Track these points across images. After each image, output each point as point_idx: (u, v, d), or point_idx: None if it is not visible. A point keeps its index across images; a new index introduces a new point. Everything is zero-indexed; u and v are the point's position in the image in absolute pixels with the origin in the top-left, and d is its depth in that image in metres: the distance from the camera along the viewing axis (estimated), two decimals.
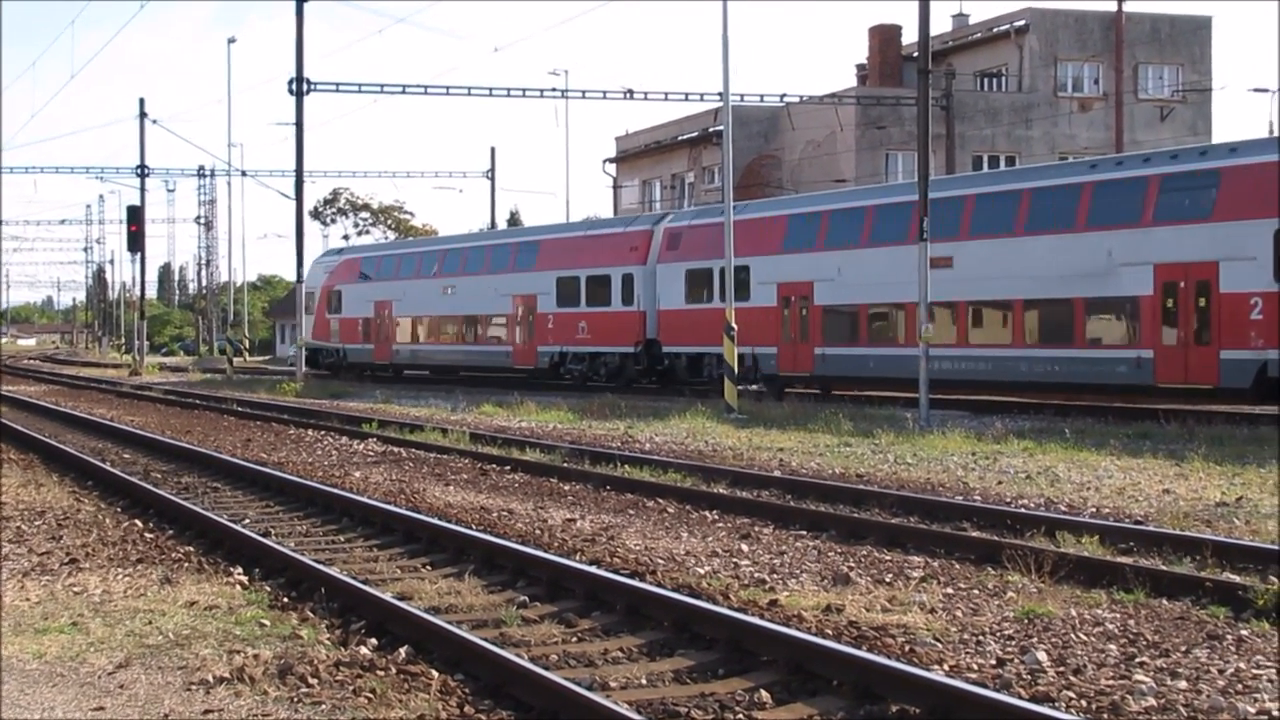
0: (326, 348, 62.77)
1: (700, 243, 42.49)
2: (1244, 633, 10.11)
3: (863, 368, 37.82)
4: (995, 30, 62.02)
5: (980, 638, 10.08)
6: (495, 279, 51.27)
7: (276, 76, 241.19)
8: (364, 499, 17.36)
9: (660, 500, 18.00)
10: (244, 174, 79.82)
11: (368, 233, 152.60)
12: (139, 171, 74.50)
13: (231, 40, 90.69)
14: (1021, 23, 60.22)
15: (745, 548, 14.23)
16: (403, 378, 58.01)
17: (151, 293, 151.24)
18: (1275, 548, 12.88)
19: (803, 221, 40.17)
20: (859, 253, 37.83)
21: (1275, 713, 8.08)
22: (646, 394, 43.86)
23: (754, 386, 40.41)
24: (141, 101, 74.09)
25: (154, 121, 76.17)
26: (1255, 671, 8.99)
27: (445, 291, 54.72)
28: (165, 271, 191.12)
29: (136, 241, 73.95)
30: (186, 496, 18.64)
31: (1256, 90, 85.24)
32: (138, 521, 16.15)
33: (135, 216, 73.05)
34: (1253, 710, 8.10)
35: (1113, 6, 59.89)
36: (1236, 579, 11.64)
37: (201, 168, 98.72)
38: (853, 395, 36.49)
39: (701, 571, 12.73)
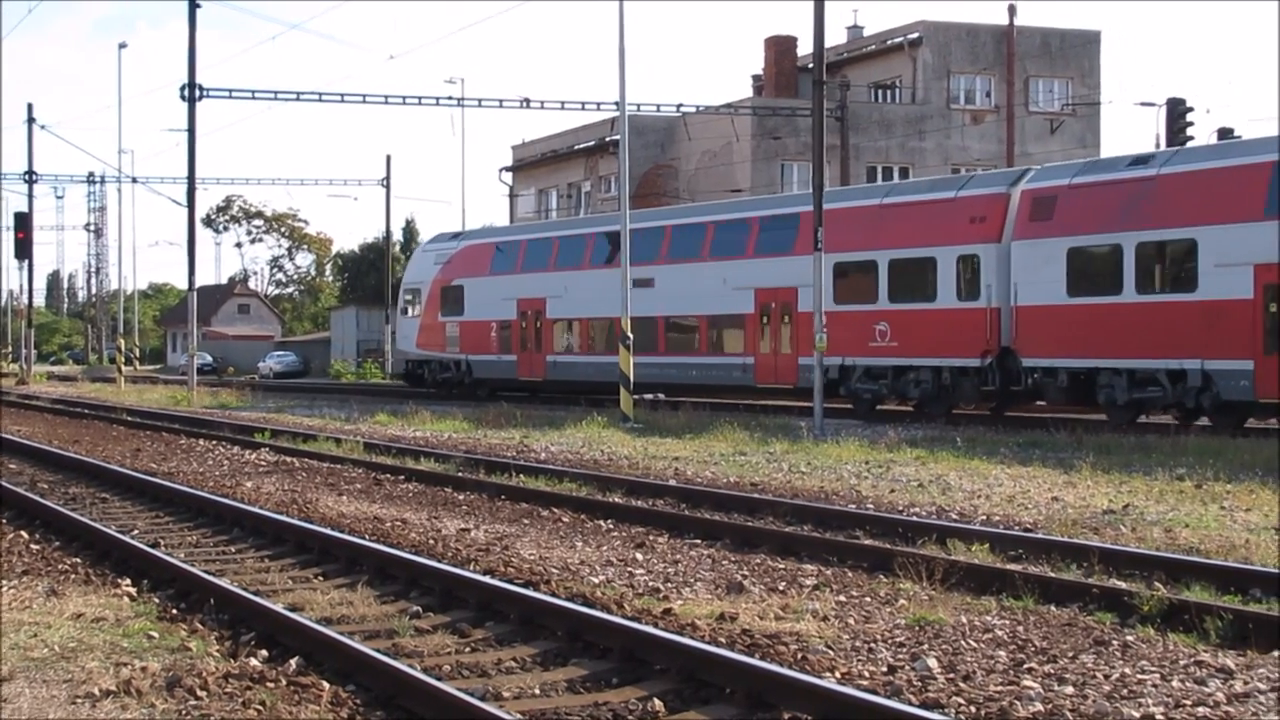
0: (439, 359, 50.98)
1: (1095, 208, 30.69)
2: (1130, 638, 10.25)
3: None
4: (889, 42, 62.59)
5: (872, 645, 10.15)
6: (724, 267, 39.26)
7: (168, 82, 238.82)
8: (256, 509, 17.19)
9: (555, 509, 17.98)
10: (135, 181, 78.76)
11: (260, 240, 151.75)
12: (27, 178, 73.35)
13: (122, 46, 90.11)
14: (915, 35, 60.82)
15: (640, 557, 14.24)
16: (563, 399, 44.35)
17: (39, 301, 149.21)
18: (1161, 554, 13.09)
19: None
20: None
21: (1159, 717, 8.19)
22: (545, 404, 43.73)
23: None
24: (30, 107, 72.96)
25: (42, 127, 75.13)
26: (1140, 676, 9.11)
27: (632, 285, 41.24)
28: (54, 279, 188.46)
29: (24, 249, 72.83)
30: (74, 507, 18.37)
31: (1143, 104, 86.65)
32: (23, 533, 15.88)
33: (23, 223, 71.95)
34: (1137, 715, 8.21)
35: (1004, 21, 60.63)
36: (1123, 585, 11.78)
37: (91, 174, 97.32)
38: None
39: (596, 581, 12.72)
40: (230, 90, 51.16)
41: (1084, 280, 30.57)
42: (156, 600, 11.89)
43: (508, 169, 74.83)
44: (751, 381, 38.47)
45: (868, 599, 11.87)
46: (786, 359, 37.26)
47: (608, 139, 61.68)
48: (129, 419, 39.18)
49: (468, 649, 10.25)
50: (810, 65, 34.14)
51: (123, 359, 74.81)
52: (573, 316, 45.01)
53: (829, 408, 31.73)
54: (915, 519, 16.04)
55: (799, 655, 9.67)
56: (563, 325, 45.50)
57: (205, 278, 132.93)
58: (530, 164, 72.54)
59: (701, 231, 40.82)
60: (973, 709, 8.41)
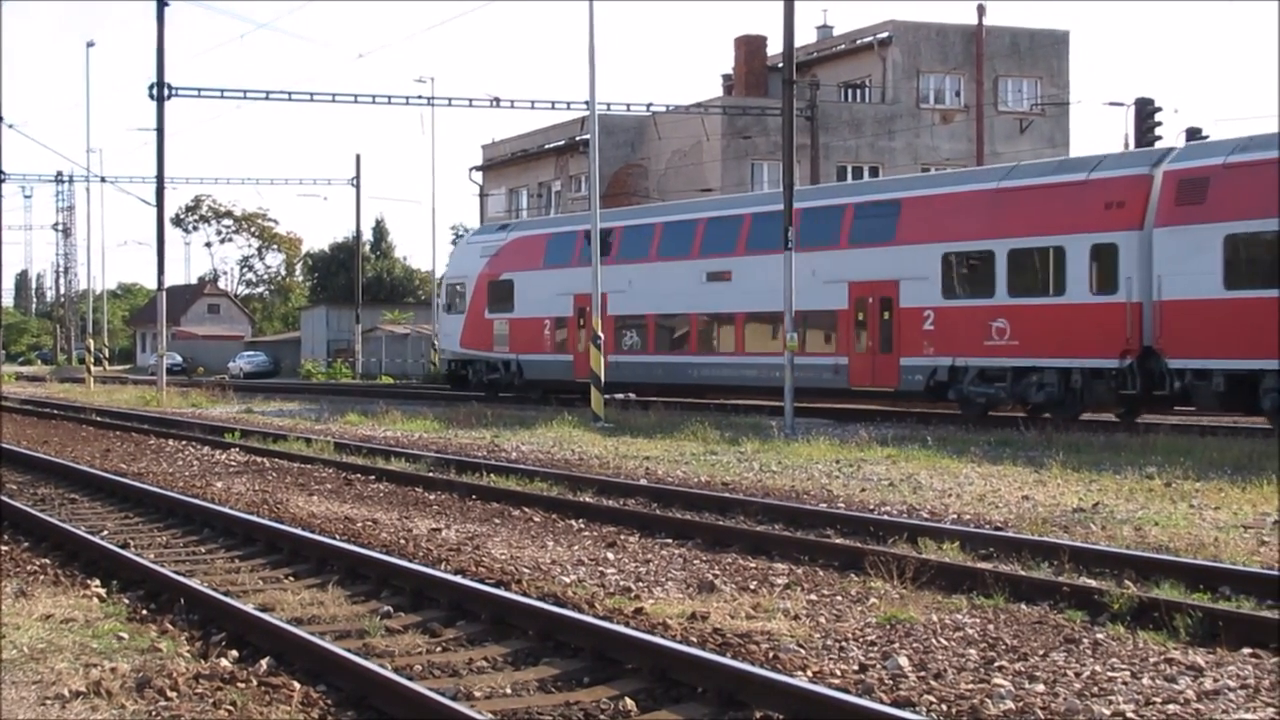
0: (486, 359, 47.51)
1: (1258, 190, 27.47)
2: (1100, 636, 10.28)
3: None
4: (859, 42, 62.69)
5: (843, 644, 10.16)
6: (812, 259, 35.02)
7: (137, 81, 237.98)
8: (226, 509, 17.14)
9: (526, 509, 17.96)
10: (103, 180, 78.37)
11: (230, 240, 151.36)
12: None
13: (90, 44, 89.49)
14: (884, 35, 60.92)
15: (611, 556, 14.23)
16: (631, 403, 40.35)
17: (7, 301, 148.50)
18: (1130, 552, 13.14)
19: None
20: None
21: (1130, 715, 8.22)
22: (516, 403, 43.69)
23: None
24: None
25: (10, 126, 74.74)
26: (1111, 674, 9.14)
27: (705, 280, 39.51)
28: (22, 279, 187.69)
29: None
30: (42, 508, 18.29)
31: (1112, 104, 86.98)
32: None
33: None
34: (1108, 712, 8.23)
35: (974, 20, 60.79)
36: (1093, 583, 11.82)
37: (59, 173, 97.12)
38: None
39: (567, 580, 12.71)
40: (199, 89, 50.98)
41: (1245, 271, 27.49)
42: (126, 601, 11.85)
43: (478, 168, 74.73)
44: (845, 384, 35.40)
45: (839, 598, 11.88)
46: (886, 360, 34.24)
47: (578, 138, 61.63)
48: (98, 419, 39.03)
49: (439, 649, 10.23)
50: (780, 65, 34.14)
51: (92, 359, 74.58)
52: (639, 313, 41.39)
53: (922, 412, 31.51)
54: (886, 518, 16.07)
55: (770, 654, 9.68)
56: (627, 322, 41.86)
57: (175, 278, 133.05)
58: (500, 163, 72.47)
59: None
60: (944, 707, 8.42)
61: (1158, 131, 44.96)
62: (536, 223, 49.71)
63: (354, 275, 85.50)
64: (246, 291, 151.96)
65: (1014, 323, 31.37)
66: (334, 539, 14.76)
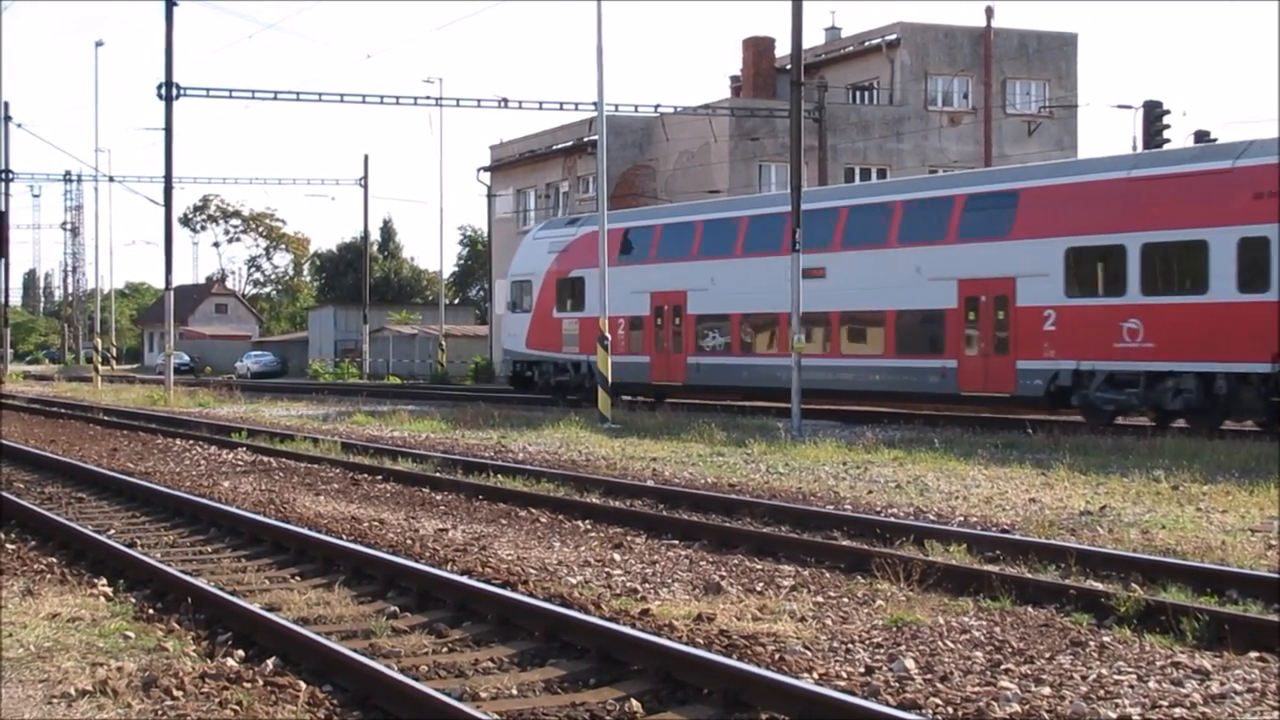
0: (554, 360, 44.72)
1: None
2: (1106, 639, 10.27)
3: None
4: (867, 44, 62.62)
5: (849, 646, 10.15)
6: (917, 254, 33.80)
7: (145, 81, 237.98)
8: (233, 509, 17.15)
9: (533, 510, 17.97)
10: (112, 180, 78.46)
11: (238, 240, 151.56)
12: (3, 176, 73.10)
13: (99, 44, 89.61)
14: (893, 37, 60.85)
15: (617, 557, 14.23)
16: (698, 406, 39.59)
17: (16, 300, 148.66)
18: (1137, 555, 13.13)
19: None
20: None
21: (1136, 718, 8.21)
22: (521, 403, 43.70)
23: None
24: (5, 105, 72.86)
25: (18, 125, 74.87)
26: (1117, 677, 9.13)
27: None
28: (30, 278, 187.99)
29: (0, 248, 72.49)
30: (50, 507, 18.31)
31: (1120, 106, 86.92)
32: None
33: None
34: (1114, 716, 8.23)
35: (982, 22, 60.75)
36: (1099, 586, 11.81)
37: (68, 173, 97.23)
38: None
39: (573, 581, 12.71)
40: (207, 89, 51.08)
41: None
42: (133, 600, 11.86)
43: (486, 169, 74.70)
44: (954, 389, 32.99)
45: (845, 600, 11.88)
46: (1000, 363, 31.77)
47: (586, 139, 61.62)
48: (106, 418, 39.08)
49: (445, 649, 10.24)
50: (788, 66, 34.10)
51: (99, 358, 74.66)
52: (722, 311, 38.79)
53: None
54: (893, 520, 16.06)
55: (776, 656, 9.68)
56: (709, 321, 39.58)
57: (182, 277, 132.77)
58: (508, 164, 72.44)
59: (887, 212, 35.19)
60: (950, 710, 8.42)
61: (1166, 134, 44.94)
62: (612, 216, 44.46)
63: (362, 275, 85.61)
64: (254, 291, 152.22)
65: (1148, 323, 29.03)
66: (340, 539, 14.77)
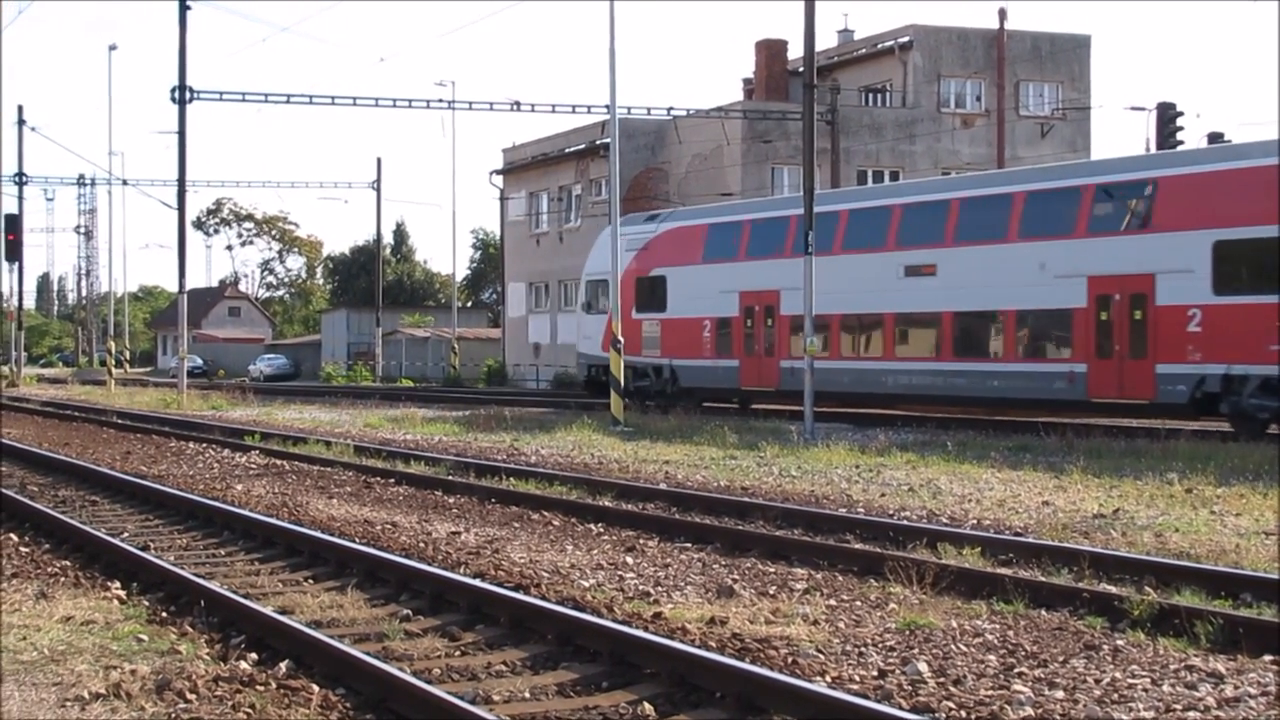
0: (633, 364, 40.26)
1: None
2: (1120, 643, 10.25)
3: None
4: (880, 46, 62.57)
5: (862, 649, 10.15)
6: (1040, 249, 31.37)
7: (159, 84, 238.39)
8: (246, 512, 17.17)
9: (546, 513, 17.97)
10: (125, 183, 78.55)
11: (251, 243, 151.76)
12: (17, 180, 73.27)
13: (113, 47, 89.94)
14: (905, 39, 60.81)
15: (630, 560, 14.23)
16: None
17: (30, 303, 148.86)
18: (1151, 559, 13.10)
19: None
20: None
21: None
22: (534, 405, 43.69)
23: None
24: (20, 109, 73.05)
25: (32, 129, 74.98)
26: (1131, 681, 9.11)
27: (903, 274, 34.64)
28: (44, 282, 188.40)
29: (14, 251, 72.66)
30: (64, 510, 18.34)
31: (1134, 108, 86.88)
32: (13, 535, 15.85)
33: (13, 225, 71.78)
34: (1128, 719, 8.21)
35: (995, 24, 60.67)
36: (1113, 590, 11.79)
37: (82, 176, 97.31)
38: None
39: (586, 584, 12.71)
40: (221, 93, 51.15)
41: None
42: (146, 603, 11.88)
43: (498, 172, 74.74)
44: (1082, 395, 30.39)
45: (858, 603, 11.87)
46: (1137, 367, 29.26)
47: (598, 142, 61.61)
48: (119, 421, 39.13)
49: (458, 652, 10.24)
50: (801, 69, 34.02)
51: (113, 361, 74.78)
52: (820, 312, 34.20)
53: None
54: (906, 523, 16.04)
55: (789, 659, 9.67)
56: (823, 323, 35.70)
57: (196, 280, 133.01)
58: (520, 167, 72.48)
59: (1005, 204, 32.60)
60: (963, 713, 8.41)
61: (1180, 136, 44.86)
62: (693, 212, 44.30)
63: (374, 278, 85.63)
64: (267, 294, 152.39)
65: None
66: (354, 542, 14.78)
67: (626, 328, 39.64)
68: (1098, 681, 9.14)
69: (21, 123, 73.04)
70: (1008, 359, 32.06)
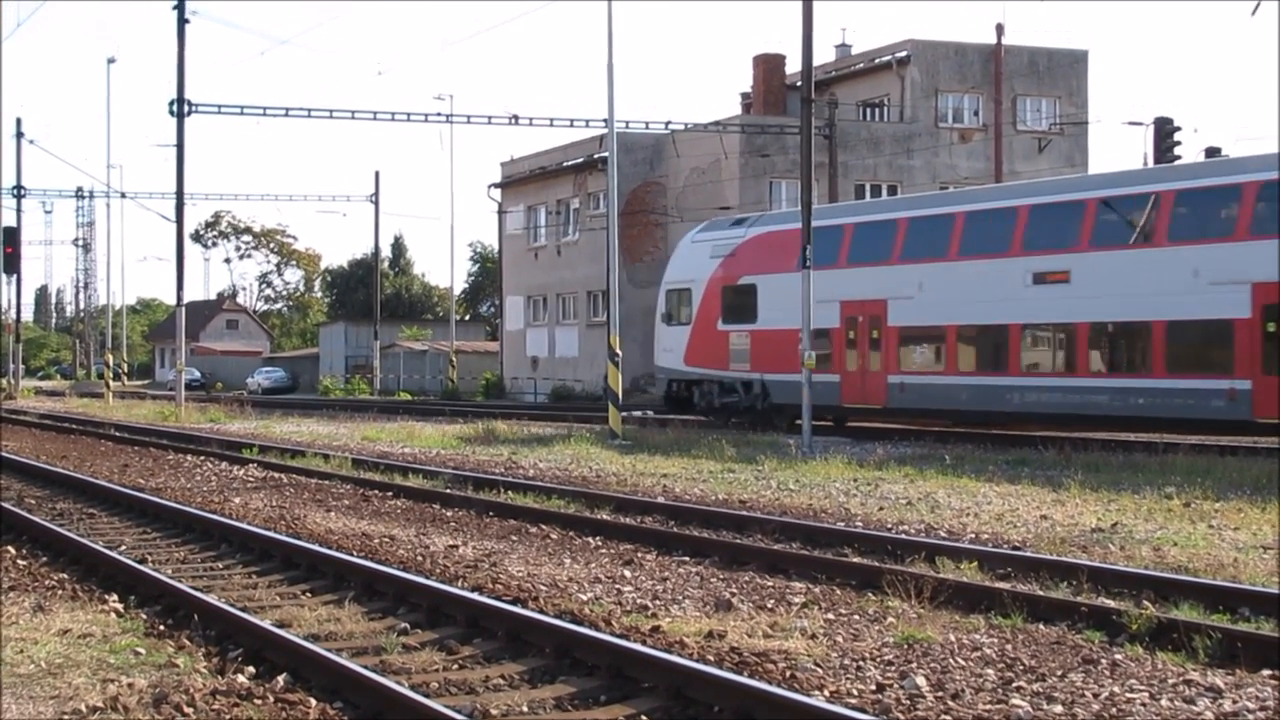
0: (719, 378, 38.94)
1: None
2: (1118, 657, 10.25)
3: None
4: (877, 61, 62.66)
5: (860, 663, 10.14)
6: (1193, 254, 28.39)
7: (157, 97, 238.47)
8: (243, 525, 17.16)
9: (543, 526, 17.96)
10: (123, 196, 78.57)
11: (249, 256, 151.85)
12: (15, 192, 73.27)
13: (111, 60, 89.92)
14: (903, 54, 60.89)
15: (628, 574, 14.22)
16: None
17: (27, 315, 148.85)
18: (1149, 573, 13.10)
19: None
20: None
21: None
22: (531, 419, 43.69)
23: None
24: (19, 121, 73.15)
25: (31, 141, 75.01)
26: (1129, 695, 9.11)
27: (1030, 282, 31.37)
28: (42, 294, 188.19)
29: (12, 263, 72.62)
30: (61, 522, 18.32)
31: (1131, 123, 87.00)
32: (10, 548, 15.82)
33: (11, 238, 71.76)
34: None
35: (992, 39, 60.75)
36: (1111, 604, 11.78)
37: (80, 189, 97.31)
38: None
39: (584, 598, 12.70)
40: (219, 106, 51.16)
41: None
42: (144, 616, 11.87)
43: (496, 185, 74.81)
44: (1245, 414, 27.43)
45: (856, 617, 11.86)
46: None
47: (596, 156, 61.66)
48: (117, 434, 39.11)
49: (455, 666, 10.23)
50: (799, 83, 34.01)
51: (111, 374, 74.76)
52: (934, 323, 33.19)
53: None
54: (904, 537, 16.03)
55: (787, 673, 9.66)
56: (917, 334, 34.02)
57: (194, 293, 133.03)
58: (519, 180, 72.55)
59: (1149, 205, 29.69)
60: None
61: (1177, 151, 44.90)
62: (786, 216, 40.53)
63: (373, 292, 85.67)
64: (265, 307, 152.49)
65: None
66: (351, 555, 14.77)
67: (711, 339, 38.89)
68: (1096, 696, 9.13)
69: (20, 135, 73.11)
70: (1156, 374, 29.01)
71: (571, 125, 53.72)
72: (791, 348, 34.49)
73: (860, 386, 35.00)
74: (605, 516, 18.61)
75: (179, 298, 52.38)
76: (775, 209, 55.07)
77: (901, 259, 33.97)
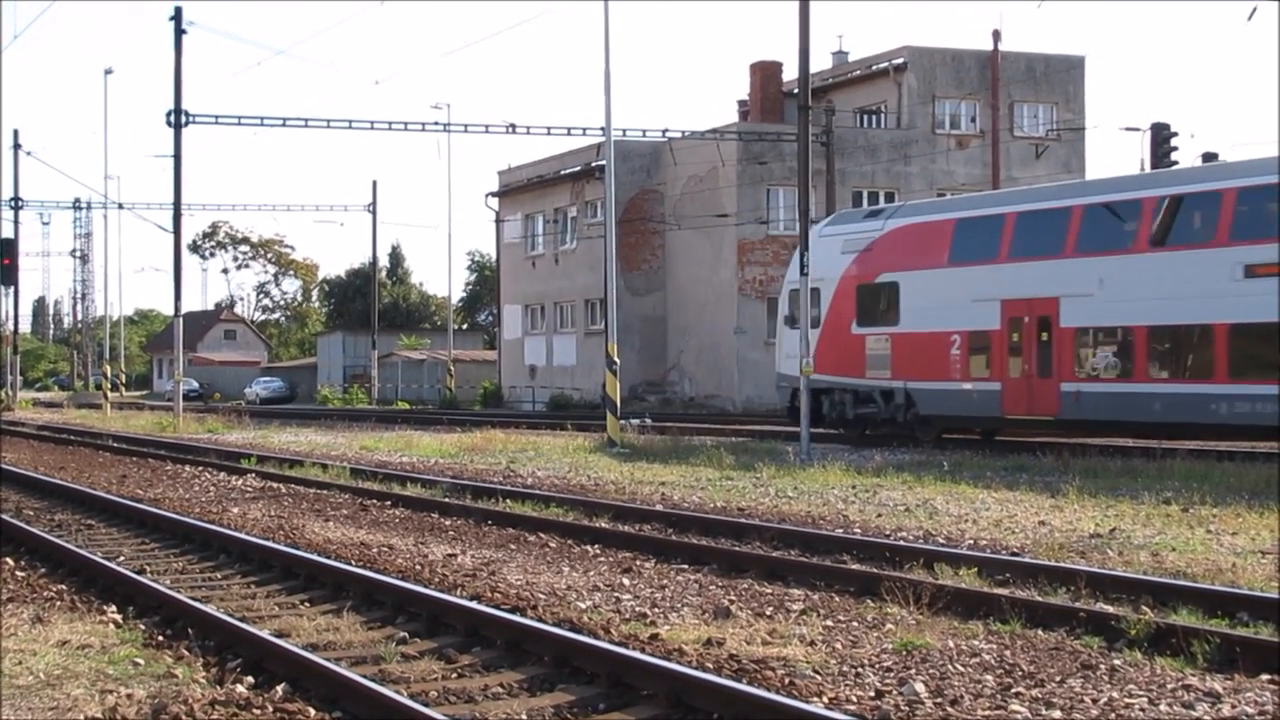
0: (854, 387, 34.70)
1: None
2: (1117, 662, 10.25)
3: None
4: (874, 68, 62.69)
5: (859, 669, 10.14)
6: None
7: (155, 108, 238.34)
8: (242, 535, 17.17)
9: (542, 535, 17.95)
10: (121, 207, 78.56)
11: (247, 266, 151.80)
12: (13, 204, 73.26)
13: (108, 71, 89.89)
14: (900, 61, 60.93)
15: (627, 582, 14.22)
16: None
17: (25, 327, 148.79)
18: (1148, 578, 13.10)
19: None
20: None
21: None
22: (529, 426, 43.70)
23: None
24: (15, 133, 73.05)
25: (28, 153, 75.02)
26: (1128, 700, 9.11)
27: (1241, 275, 26.78)
28: (40, 305, 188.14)
29: (9, 275, 72.50)
30: (59, 534, 18.31)
31: (1128, 129, 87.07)
32: (8, 560, 15.82)
33: (8, 249, 71.58)
34: None
35: (989, 46, 60.80)
36: (1110, 609, 11.79)
37: (77, 200, 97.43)
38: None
39: (583, 606, 12.70)
40: (216, 116, 51.16)
41: None
42: (142, 627, 11.86)
43: (494, 194, 74.82)
44: None
45: (855, 623, 11.86)
46: None
47: (594, 164, 61.65)
48: (115, 445, 39.09)
49: (454, 674, 10.22)
50: (795, 90, 34.02)
51: (108, 385, 74.71)
52: (1119, 324, 29.20)
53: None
54: (902, 543, 16.03)
55: (786, 680, 9.66)
56: (1095, 337, 29.95)
57: (191, 304, 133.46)
58: (516, 189, 72.56)
59: None
60: None
61: (1174, 156, 44.92)
62: (933, 205, 36.71)
63: (370, 301, 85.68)
64: (263, 317, 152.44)
65: None
66: (350, 565, 14.76)
67: (843, 344, 35.05)
68: (1095, 701, 9.13)
69: (17, 147, 73.09)
70: None
71: (569, 134, 53.73)
72: (942, 353, 32.26)
73: (1027, 396, 30.85)
74: (604, 524, 18.60)
75: (176, 308, 52.37)
76: (773, 216, 55.08)
77: (1077, 252, 30.04)
